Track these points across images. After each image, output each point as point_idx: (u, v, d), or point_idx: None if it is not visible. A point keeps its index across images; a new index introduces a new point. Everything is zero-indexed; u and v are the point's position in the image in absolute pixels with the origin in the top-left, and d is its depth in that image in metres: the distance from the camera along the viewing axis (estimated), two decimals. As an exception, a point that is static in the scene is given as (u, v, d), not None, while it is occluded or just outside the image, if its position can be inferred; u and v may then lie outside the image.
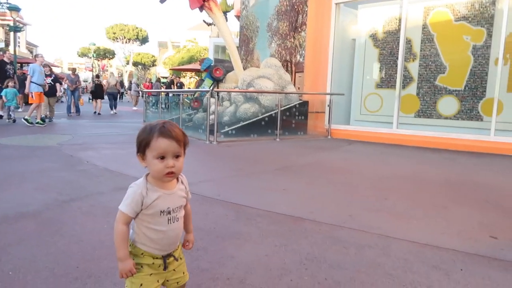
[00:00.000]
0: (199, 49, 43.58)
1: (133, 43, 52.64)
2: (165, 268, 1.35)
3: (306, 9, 9.24)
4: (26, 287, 1.84)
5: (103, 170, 4.42)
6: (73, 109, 14.22)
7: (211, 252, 2.29)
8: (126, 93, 30.17)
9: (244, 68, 9.87)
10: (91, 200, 3.25)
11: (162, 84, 21.04)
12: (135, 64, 55.74)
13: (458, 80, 7.87)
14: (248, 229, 2.72)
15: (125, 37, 51.04)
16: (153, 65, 58.51)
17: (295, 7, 9.51)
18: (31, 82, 9.65)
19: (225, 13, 19.48)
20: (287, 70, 9.53)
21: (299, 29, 9.42)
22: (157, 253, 1.33)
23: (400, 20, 8.46)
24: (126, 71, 53.92)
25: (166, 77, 40.79)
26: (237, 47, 10.70)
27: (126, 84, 37.66)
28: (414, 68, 8.38)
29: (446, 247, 2.47)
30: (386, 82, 8.79)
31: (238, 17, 14.63)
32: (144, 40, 53.55)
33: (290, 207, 3.26)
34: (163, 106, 10.53)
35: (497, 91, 7.31)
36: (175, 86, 21.24)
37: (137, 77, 52.93)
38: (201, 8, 9.89)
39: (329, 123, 8.91)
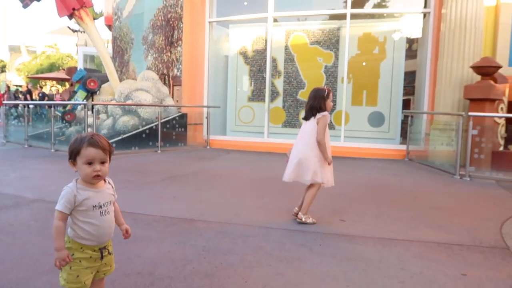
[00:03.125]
0: (61, 56, 39.95)
1: (-25, 45, 45.44)
2: (101, 257, 1.63)
3: (182, 25, 9.66)
4: None
5: (-27, 191, 4.09)
6: None
7: (118, 254, 2.49)
8: None
9: (120, 80, 9.77)
10: (-27, 221, 3.10)
11: (21, 95, 18.83)
12: (-22, 69, 48.17)
13: (315, 95, 9.23)
14: (148, 232, 3.02)
15: (-37, 38, 43.70)
16: (2, 71, 51.31)
17: (171, 22, 9.85)
18: None
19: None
20: (164, 83, 9.78)
21: (175, 44, 9.78)
22: (95, 244, 1.60)
23: (266, 40, 9.53)
24: (-34, 77, 46.04)
25: (20, 86, 36.30)
26: (111, 57, 10.50)
27: None
28: (279, 84, 9.53)
29: (310, 231, 3.19)
30: (257, 96, 9.77)
31: (109, 26, 14.19)
32: (-11, 43, 46.70)
33: (182, 211, 3.64)
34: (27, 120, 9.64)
35: (344, 105, 8.86)
36: (37, 97, 19.24)
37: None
38: (71, 16, 9.49)
39: (207, 134, 9.46)
